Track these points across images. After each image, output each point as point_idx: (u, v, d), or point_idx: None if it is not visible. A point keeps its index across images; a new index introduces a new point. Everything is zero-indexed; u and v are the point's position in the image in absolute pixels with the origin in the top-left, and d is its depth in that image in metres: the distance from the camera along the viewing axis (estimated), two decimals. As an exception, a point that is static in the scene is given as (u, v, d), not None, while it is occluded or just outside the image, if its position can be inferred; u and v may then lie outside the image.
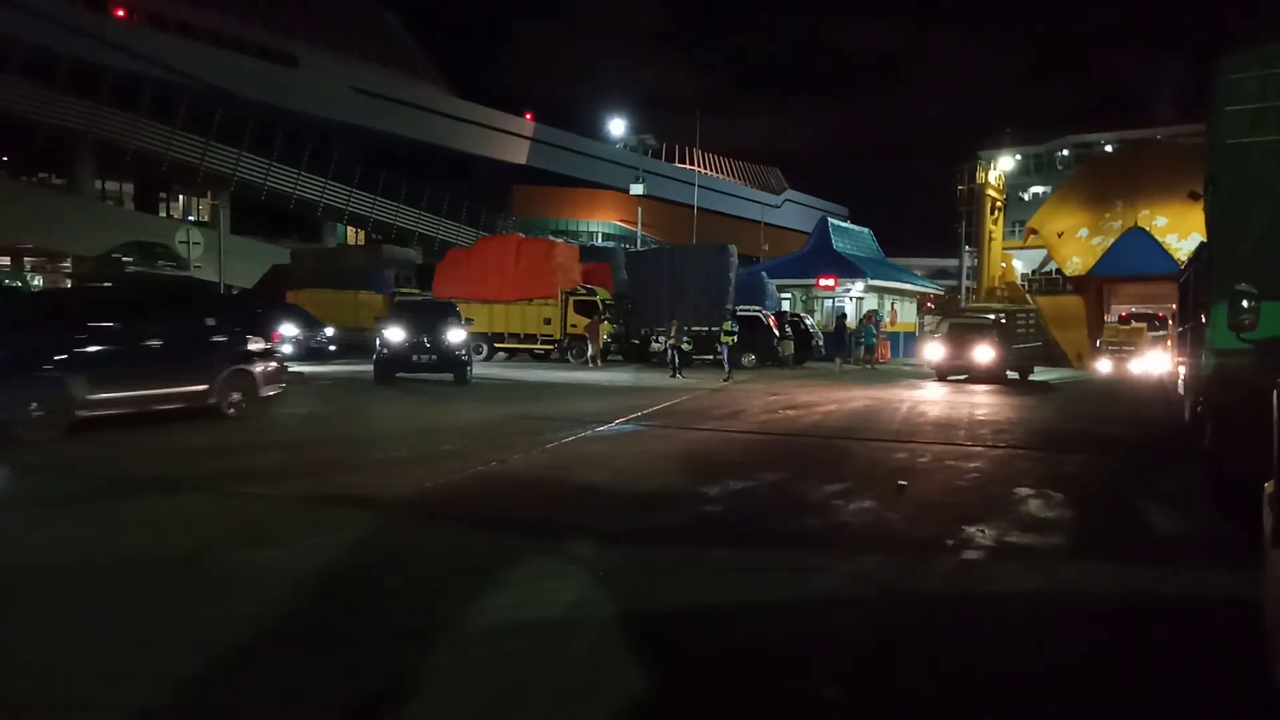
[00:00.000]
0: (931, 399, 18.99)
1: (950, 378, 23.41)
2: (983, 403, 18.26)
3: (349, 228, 51.85)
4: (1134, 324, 37.83)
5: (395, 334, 19.56)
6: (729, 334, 24.01)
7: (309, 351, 27.17)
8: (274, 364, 13.64)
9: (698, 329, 27.56)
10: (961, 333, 24.40)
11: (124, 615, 5.02)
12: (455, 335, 19.87)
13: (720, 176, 77.30)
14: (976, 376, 22.79)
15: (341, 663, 4.40)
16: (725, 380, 22.22)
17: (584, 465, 10.12)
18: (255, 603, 5.20)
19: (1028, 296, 48.50)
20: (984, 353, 22.64)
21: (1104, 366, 32.31)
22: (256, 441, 11.20)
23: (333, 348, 28.58)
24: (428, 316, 20.85)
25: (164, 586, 5.52)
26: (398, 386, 19.12)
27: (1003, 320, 25.76)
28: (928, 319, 45.75)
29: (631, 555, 6.45)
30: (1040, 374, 26.81)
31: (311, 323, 28.77)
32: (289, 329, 25.73)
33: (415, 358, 19.44)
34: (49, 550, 6.28)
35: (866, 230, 45.38)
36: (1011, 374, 23.95)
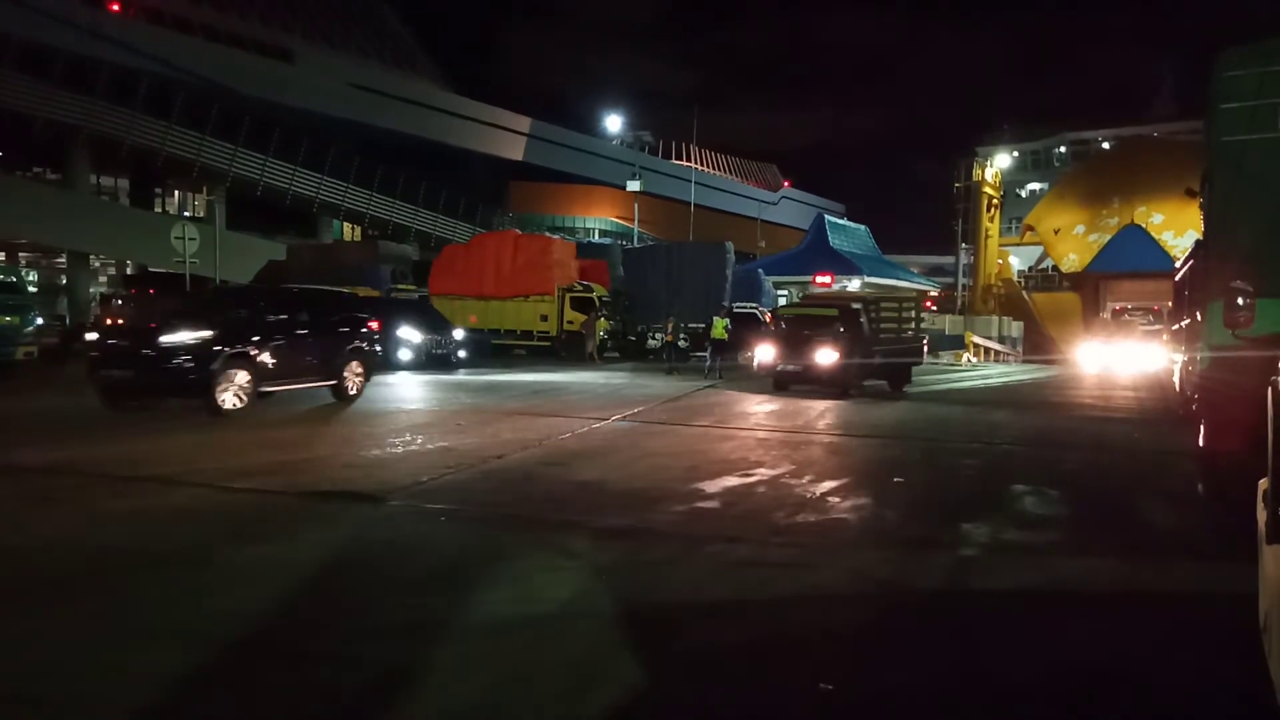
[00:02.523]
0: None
1: (794, 386, 18.53)
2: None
3: (345, 223, 51.75)
4: (1125, 318, 37.90)
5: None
6: (723, 331, 23.90)
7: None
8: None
9: (694, 325, 27.57)
10: (798, 327, 18.79)
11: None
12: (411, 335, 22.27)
13: (717, 173, 77.26)
14: (820, 384, 18.10)
15: (341, 657, 4.40)
16: (708, 378, 21.71)
17: (581, 461, 10.12)
18: (255, 599, 5.21)
19: (1024, 294, 48.64)
20: (826, 355, 17.59)
21: (1090, 361, 32.26)
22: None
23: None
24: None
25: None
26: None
27: (855, 311, 18.86)
28: (924, 315, 45.85)
29: (629, 550, 6.45)
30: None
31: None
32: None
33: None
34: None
35: (863, 227, 45.48)
36: (875, 382, 19.33)
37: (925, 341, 22.59)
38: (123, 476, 8.58)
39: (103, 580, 5.51)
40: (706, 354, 23.73)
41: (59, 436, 10.96)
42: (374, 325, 16.46)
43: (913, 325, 21.53)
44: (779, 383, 18.48)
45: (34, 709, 3.84)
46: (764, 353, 18.87)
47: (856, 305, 18.97)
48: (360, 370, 15.57)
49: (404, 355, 22.17)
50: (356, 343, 15.64)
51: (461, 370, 22.58)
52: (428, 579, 5.66)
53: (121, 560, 5.96)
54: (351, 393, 15.30)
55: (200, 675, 4.15)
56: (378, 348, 16.57)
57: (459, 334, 23.24)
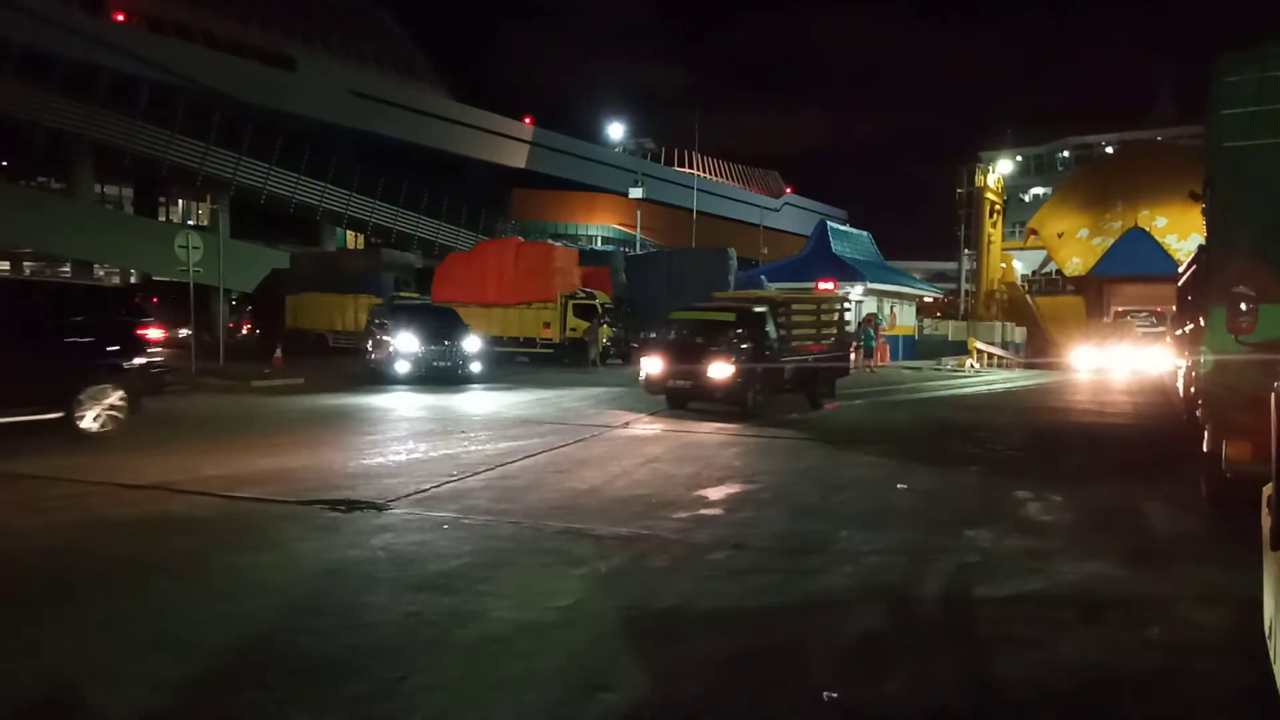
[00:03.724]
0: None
1: (691, 404, 15.77)
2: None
3: (348, 231, 51.81)
4: (1124, 319, 37.68)
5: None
6: None
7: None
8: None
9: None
10: (690, 335, 16.04)
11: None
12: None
13: (719, 180, 77.30)
14: (715, 401, 15.28)
15: (336, 663, 4.40)
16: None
17: (585, 468, 10.12)
18: (254, 601, 5.21)
19: (1028, 298, 48.57)
20: (720, 368, 14.61)
21: (1086, 363, 32.09)
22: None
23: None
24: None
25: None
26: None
27: (758, 314, 15.85)
28: (928, 323, 45.82)
29: (631, 556, 6.45)
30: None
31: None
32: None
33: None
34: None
35: (865, 233, 45.38)
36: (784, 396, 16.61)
37: (854, 347, 20.19)
38: None
39: None
40: None
41: None
42: (148, 333, 12.63)
43: (834, 329, 18.41)
44: (673, 400, 15.74)
45: (29, 711, 3.84)
46: (651, 365, 15.49)
47: (760, 308, 15.96)
48: (121, 397, 11.67)
49: (401, 367, 20.12)
50: (111, 359, 11.82)
51: (473, 384, 20.16)
52: (427, 583, 5.65)
53: None
54: (96, 428, 11.38)
55: (191, 683, 4.15)
56: (157, 362, 12.55)
57: (473, 343, 21.15)
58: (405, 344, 20.22)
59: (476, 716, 3.95)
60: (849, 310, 20.12)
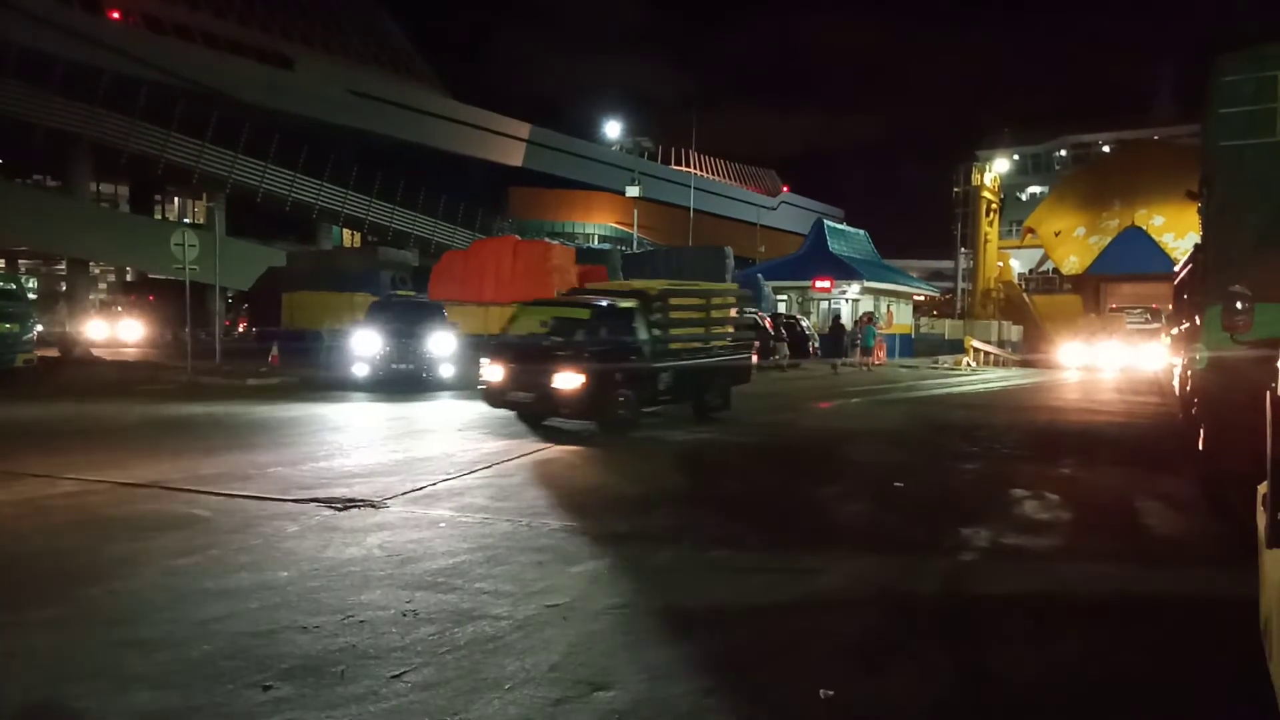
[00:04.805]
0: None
1: (546, 420, 13.11)
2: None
3: (345, 230, 51.80)
4: (1118, 315, 37.48)
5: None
6: None
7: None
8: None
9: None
10: (538, 334, 13.79)
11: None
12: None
13: (716, 179, 77.32)
14: (567, 417, 12.74)
15: (333, 660, 4.40)
16: None
17: (580, 467, 10.12)
18: (252, 599, 5.20)
19: (1025, 297, 48.64)
20: (568, 378, 11.85)
21: (1073, 359, 31.97)
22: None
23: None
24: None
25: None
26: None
27: (624, 311, 13.15)
28: (924, 321, 45.88)
29: (629, 554, 6.45)
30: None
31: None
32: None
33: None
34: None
35: (862, 232, 45.45)
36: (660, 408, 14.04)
37: (756, 347, 17.12)
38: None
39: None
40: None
41: None
42: None
43: (730, 328, 15.38)
44: (523, 417, 13.17)
45: (23, 713, 3.83)
46: (491, 373, 12.72)
47: (628, 303, 13.24)
48: None
49: (359, 370, 17.98)
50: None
51: (442, 390, 17.83)
52: (423, 582, 5.65)
53: None
54: None
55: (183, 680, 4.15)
56: None
57: (443, 342, 18.71)
58: (362, 344, 17.84)
59: (484, 713, 3.95)
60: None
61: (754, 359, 15.86)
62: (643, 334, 12.96)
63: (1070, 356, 32.66)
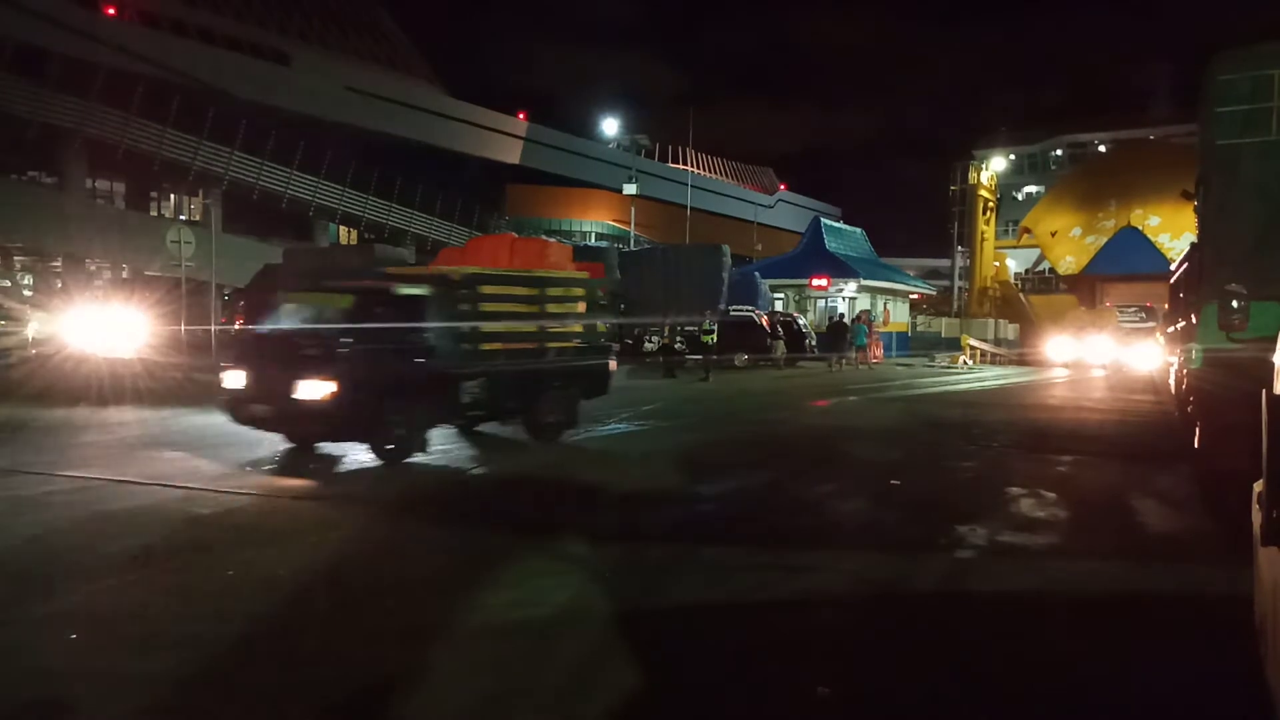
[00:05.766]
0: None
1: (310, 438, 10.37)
2: None
3: (341, 227, 51.67)
4: (1105, 309, 37.31)
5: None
6: (707, 333, 24.05)
7: None
8: None
9: (690, 329, 27.61)
10: (291, 329, 10.48)
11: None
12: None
13: (714, 176, 77.25)
14: (316, 438, 10.21)
15: (337, 661, 4.39)
16: (702, 380, 22.27)
17: (578, 464, 10.11)
18: (253, 600, 5.19)
19: (1021, 296, 48.68)
20: (314, 386, 9.15)
21: (1061, 355, 31.81)
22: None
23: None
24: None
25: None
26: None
27: (405, 299, 10.27)
28: (921, 319, 45.91)
29: (627, 553, 6.45)
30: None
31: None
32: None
33: None
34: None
35: (859, 230, 45.48)
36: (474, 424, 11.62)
37: (616, 350, 14.15)
38: None
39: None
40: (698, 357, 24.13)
41: None
42: None
43: (579, 326, 12.47)
44: (294, 436, 10.28)
45: (25, 710, 3.82)
46: (231, 378, 9.95)
47: (416, 289, 10.40)
48: None
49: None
50: None
51: None
52: (423, 581, 5.64)
53: None
54: None
55: (192, 678, 4.14)
56: None
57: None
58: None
59: (485, 711, 3.95)
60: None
61: (612, 365, 12.78)
62: (437, 329, 10.16)
63: (1058, 351, 32.36)
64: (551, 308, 11.99)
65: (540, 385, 11.50)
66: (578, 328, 12.36)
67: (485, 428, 11.72)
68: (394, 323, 9.85)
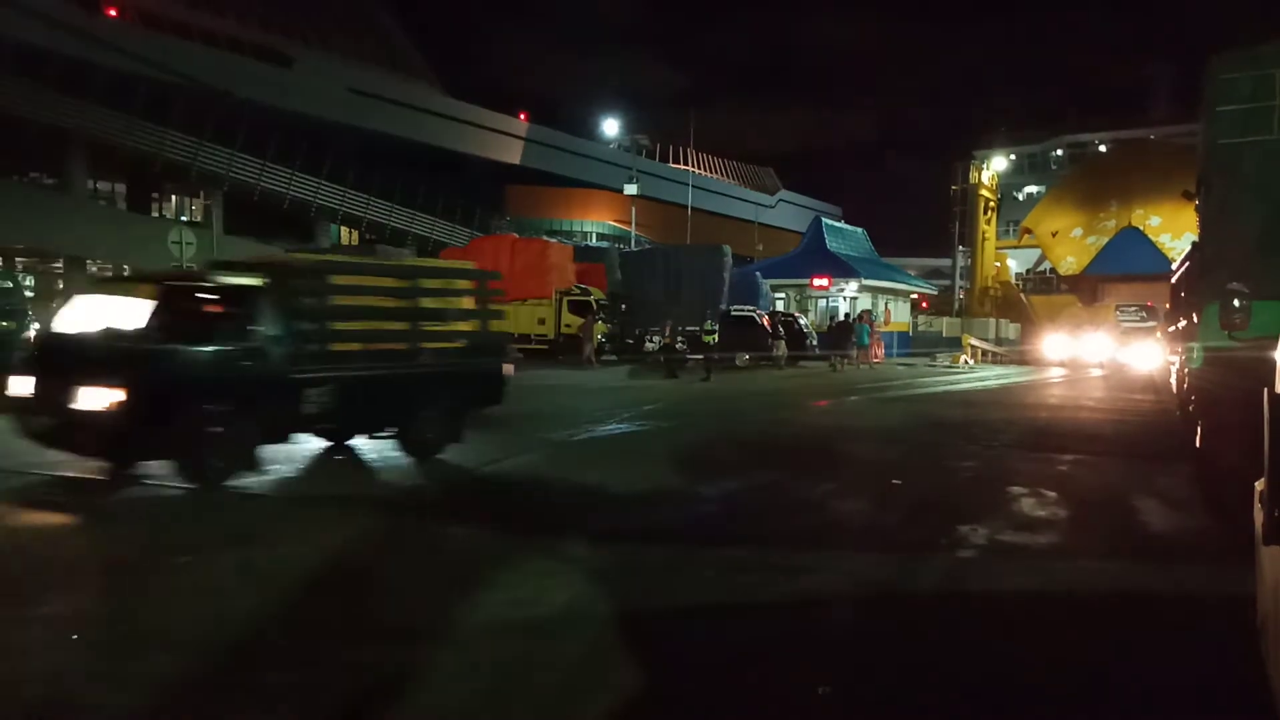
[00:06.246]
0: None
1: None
2: None
3: (343, 228, 51.69)
4: (1102, 306, 37.07)
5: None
6: (708, 333, 24.08)
7: None
8: None
9: (691, 329, 27.62)
10: (85, 329, 8.55)
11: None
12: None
13: (714, 177, 77.23)
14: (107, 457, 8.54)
15: (339, 661, 4.39)
16: (703, 380, 22.32)
17: (579, 465, 10.11)
18: (249, 600, 5.19)
19: (1022, 297, 48.67)
20: (95, 394, 7.64)
21: (1056, 352, 31.60)
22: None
23: None
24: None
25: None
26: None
27: (227, 293, 8.83)
28: (922, 319, 45.90)
29: (627, 553, 6.45)
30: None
31: None
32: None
33: None
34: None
35: (860, 230, 45.48)
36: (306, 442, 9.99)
37: (511, 354, 12.05)
38: None
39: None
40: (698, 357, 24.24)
41: None
42: None
43: (464, 324, 10.61)
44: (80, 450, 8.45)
45: (26, 710, 3.82)
46: (18, 385, 8.33)
47: (245, 279, 8.90)
48: None
49: None
50: None
51: None
52: (424, 581, 5.64)
53: None
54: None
55: (197, 678, 4.14)
56: None
57: None
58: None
59: (486, 710, 3.95)
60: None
61: (508, 369, 11.16)
62: (270, 327, 8.58)
63: (1053, 350, 32.05)
64: (428, 303, 10.27)
65: (413, 393, 9.86)
66: (463, 325, 10.60)
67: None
68: (213, 319, 8.52)
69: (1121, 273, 44.03)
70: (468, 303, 10.71)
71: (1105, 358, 29.34)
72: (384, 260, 10.62)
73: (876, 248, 46.13)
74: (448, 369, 10.15)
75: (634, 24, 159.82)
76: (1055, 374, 28.76)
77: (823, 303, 39.35)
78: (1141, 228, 44.03)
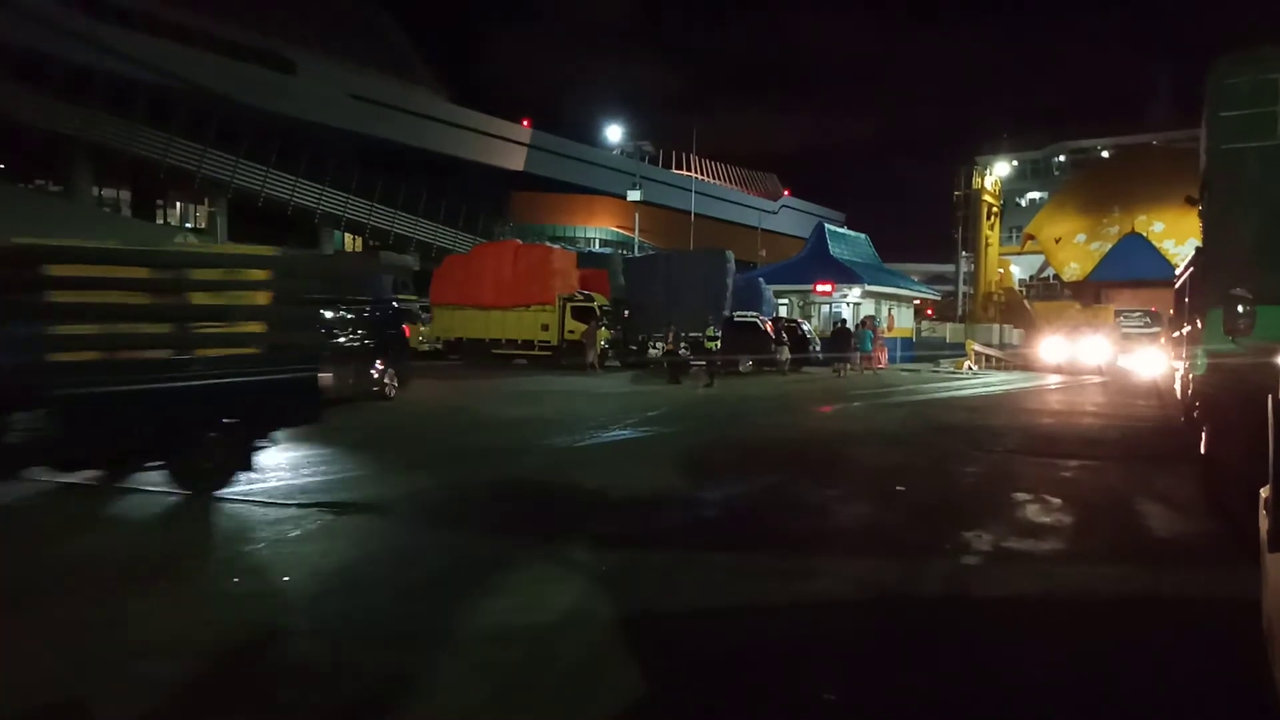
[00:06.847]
0: None
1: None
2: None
3: (346, 234, 51.80)
4: (1101, 307, 36.86)
5: None
6: (711, 339, 24.06)
7: None
8: None
9: (694, 335, 27.62)
10: None
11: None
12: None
13: (717, 183, 77.34)
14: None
15: (341, 664, 4.39)
16: (706, 386, 22.31)
17: (583, 470, 10.11)
18: (251, 605, 5.19)
19: (1025, 303, 48.62)
20: None
21: (1053, 355, 31.35)
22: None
23: None
24: None
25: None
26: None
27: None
28: (925, 324, 45.88)
29: (630, 558, 6.44)
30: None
31: None
32: None
33: None
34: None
35: (863, 236, 45.49)
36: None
37: (328, 359, 10.93)
38: None
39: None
40: (700, 362, 24.23)
41: None
42: None
43: (257, 325, 8.67)
44: None
45: (29, 712, 3.83)
46: None
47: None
48: None
49: None
50: None
51: None
52: (429, 585, 5.64)
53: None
54: None
55: (191, 682, 4.14)
56: None
57: None
58: None
59: (489, 714, 3.94)
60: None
61: (325, 378, 9.68)
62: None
63: (1050, 353, 31.58)
64: (202, 299, 8.22)
65: (180, 412, 7.96)
66: (254, 327, 8.57)
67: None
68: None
69: (1125, 278, 43.99)
70: (262, 298, 8.61)
71: (1105, 363, 29.13)
72: (132, 247, 8.51)
73: (879, 252, 46.12)
74: (233, 380, 8.20)
75: (638, 30, 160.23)
76: (1058, 379, 28.70)
77: (826, 308, 39.33)
78: (1145, 233, 44.01)
